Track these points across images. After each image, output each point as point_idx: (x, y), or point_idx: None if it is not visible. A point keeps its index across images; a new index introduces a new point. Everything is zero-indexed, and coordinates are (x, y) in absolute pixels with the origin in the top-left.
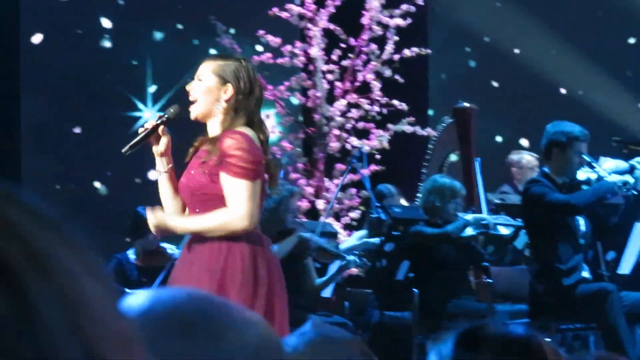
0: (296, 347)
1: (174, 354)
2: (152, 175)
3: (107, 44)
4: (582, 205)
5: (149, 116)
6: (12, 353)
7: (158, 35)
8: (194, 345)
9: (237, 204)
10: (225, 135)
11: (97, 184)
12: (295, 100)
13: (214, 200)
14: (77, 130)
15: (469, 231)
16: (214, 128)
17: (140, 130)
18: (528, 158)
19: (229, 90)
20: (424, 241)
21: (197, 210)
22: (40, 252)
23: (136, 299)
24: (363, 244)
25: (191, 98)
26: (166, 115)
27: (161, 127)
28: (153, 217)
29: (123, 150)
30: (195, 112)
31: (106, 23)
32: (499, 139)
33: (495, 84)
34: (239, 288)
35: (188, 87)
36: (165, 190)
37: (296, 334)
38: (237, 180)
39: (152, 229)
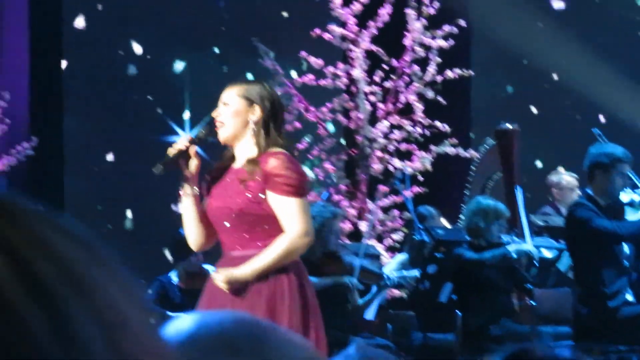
0: None
1: None
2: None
3: (144, 66)
4: (628, 235)
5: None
6: None
7: (199, 58)
8: None
9: (294, 222)
10: (268, 156)
11: (129, 212)
12: (338, 122)
13: (258, 220)
14: (112, 154)
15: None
16: (244, 150)
17: (171, 150)
18: (568, 179)
19: (257, 111)
20: (464, 265)
21: (239, 232)
22: (78, 272)
23: (182, 323)
24: (401, 277)
25: (218, 124)
26: (197, 136)
27: (192, 149)
28: (220, 277)
29: (154, 169)
30: (224, 134)
31: (139, 48)
32: (539, 164)
33: (534, 109)
34: (289, 312)
35: (214, 114)
36: (190, 214)
37: (340, 356)
38: (288, 198)
39: (224, 287)
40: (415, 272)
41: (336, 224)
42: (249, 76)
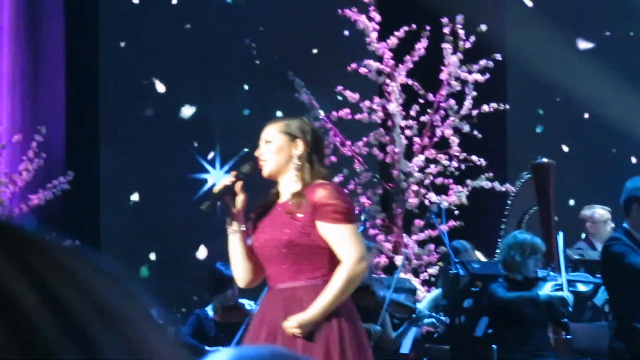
0: None
1: None
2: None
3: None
4: None
5: (212, 180)
6: None
7: (240, 90)
8: None
9: (348, 249)
10: (314, 187)
11: (163, 246)
12: (374, 156)
13: (306, 252)
14: (143, 188)
15: (548, 288)
16: (289, 184)
17: (217, 187)
18: (600, 212)
19: (300, 145)
20: (497, 303)
21: (287, 264)
22: (104, 301)
23: (219, 357)
24: (430, 323)
25: (262, 161)
26: (242, 172)
27: (238, 185)
28: (293, 324)
29: (201, 207)
30: (267, 170)
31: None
32: (572, 202)
33: (565, 147)
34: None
35: (257, 153)
36: (237, 250)
37: None
38: (339, 226)
39: (299, 333)
40: (445, 320)
41: (370, 258)
42: (280, 112)
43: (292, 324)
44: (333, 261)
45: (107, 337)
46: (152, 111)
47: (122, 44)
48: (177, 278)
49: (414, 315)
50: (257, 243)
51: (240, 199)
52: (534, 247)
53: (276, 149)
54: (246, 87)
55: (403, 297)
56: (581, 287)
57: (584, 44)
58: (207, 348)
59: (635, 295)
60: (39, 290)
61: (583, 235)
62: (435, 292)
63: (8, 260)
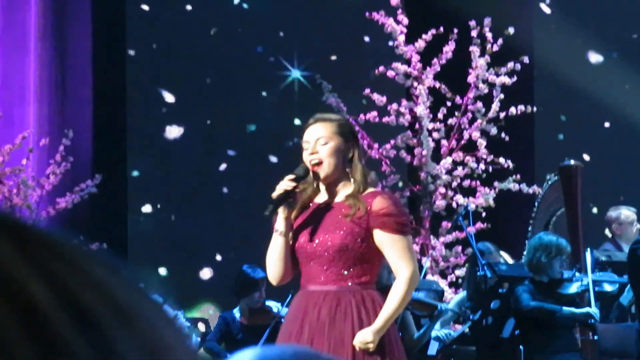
0: None
1: None
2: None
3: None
4: None
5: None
6: None
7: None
8: None
9: (407, 260)
10: (373, 195)
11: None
12: (401, 159)
13: (357, 257)
14: (173, 192)
15: (574, 289)
16: (342, 185)
17: (276, 193)
18: (626, 213)
19: (354, 148)
20: (520, 311)
21: (337, 267)
22: (122, 302)
23: (243, 356)
24: (455, 317)
25: (314, 161)
26: (297, 175)
27: (296, 188)
28: (363, 340)
29: (266, 213)
30: (324, 172)
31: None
32: (595, 209)
33: (586, 156)
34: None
35: (312, 150)
36: (280, 250)
37: None
38: (399, 237)
39: (371, 347)
40: (471, 315)
41: None
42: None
43: (361, 339)
44: (376, 270)
45: (123, 336)
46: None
47: (151, 47)
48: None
49: (435, 312)
50: (305, 244)
51: (294, 204)
52: (559, 249)
53: (334, 150)
54: (264, 93)
55: (424, 295)
56: (607, 287)
57: (606, 50)
58: (229, 355)
59: None
60: (55, 290)
61: (609, 235)
62: (461, 294)
63: (23, 259)
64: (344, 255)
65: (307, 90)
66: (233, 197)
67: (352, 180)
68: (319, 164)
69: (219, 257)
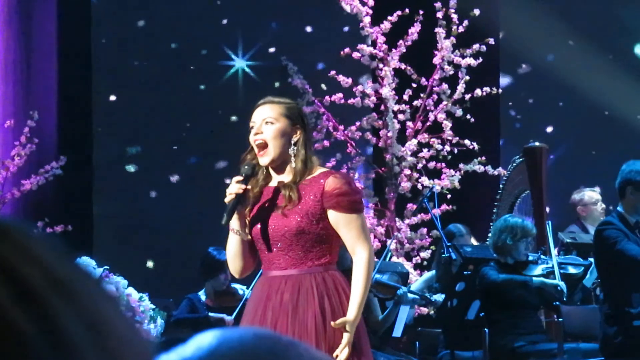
0: None
1: None
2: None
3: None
4: None
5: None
6: None
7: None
8: None
9: (363, 240)
10: (324, 175)
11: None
12: (366, 140)
13: (315, 239)
14: (135, 167)
15: (539, 271)
16: (286, 170)
17: (228, 199)
18: (590, 194)
19: (299, 131)
20: (489, 286)
21: (295, 251)
22: (63, 278)
23: (203, 339)
24: (417, 301)
25: (258, 142)
26: (244, 175)
27: (245, 189)
28: (345, 335)
29: (223, 222)
30: (269, 156)
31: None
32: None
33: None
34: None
35: (257, 130)
36: (237, 247)
37: None
38: (354, 215)
39: (350, 336)
40: (440, 297)
41: None
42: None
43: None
44: (335, 249)
45: (62, 307)
46: (142, 97)
47: (115, 28)
48: (169, 264)
49: (395, 297)
50: (261, 231)
51: (247, 200)
52: (524, 231)
53: (279, 132)
54: (239, 71)
55: (386, 277)
56: (572, 270)
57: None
58: (210, 314)
59: (626, 281)
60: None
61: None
62: (428, 274)
63: None
64: (301, 238)
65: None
66: (204, 170)
67: (296, 163)
68: (265, 147)
69: (186, 239)
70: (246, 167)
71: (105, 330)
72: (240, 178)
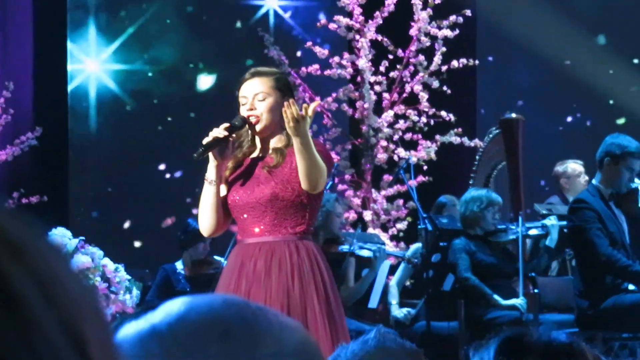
0: (356, 354)
1: (211, 359)
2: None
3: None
4: (619, 269)
5: None
6: None
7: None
8: (230, 350)
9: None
10: None
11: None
12: (343, 111)
13: (289, 206)
14: (117, 146)
15: (508, 237)
16: (274, 140)
17: (207, 139)
18: (573, 166)
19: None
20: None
21: (270, 218)
22: (12, 238)
23: (172, 305)
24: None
25: (252, 118)
26: (233, 125)
27: (229, 137)
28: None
29: (194, 155)
30: (261, 126)
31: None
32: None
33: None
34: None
35: (251, 106)
36: (211, 200)
37: (358, 341)
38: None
39: (292, 124)
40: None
41: (338, 208)
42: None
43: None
44: (312, 218)
45: (15, 267)
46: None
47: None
48: (144, 235)
49: (372, 256)
50: (237, 197)
51: (226, 152)
52: (490, 200)
53: (272, 106)
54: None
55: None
56: (534, 231)
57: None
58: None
59: (595, 261)
60: None
61: None
62: (416, 245)
63: None
64: (275, 205)
65: None
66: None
67: (284, 133)
68: (258, 118)
69: (165, 209)
70: (239, 119)
71: (55, 286)
72: (227, 125)
